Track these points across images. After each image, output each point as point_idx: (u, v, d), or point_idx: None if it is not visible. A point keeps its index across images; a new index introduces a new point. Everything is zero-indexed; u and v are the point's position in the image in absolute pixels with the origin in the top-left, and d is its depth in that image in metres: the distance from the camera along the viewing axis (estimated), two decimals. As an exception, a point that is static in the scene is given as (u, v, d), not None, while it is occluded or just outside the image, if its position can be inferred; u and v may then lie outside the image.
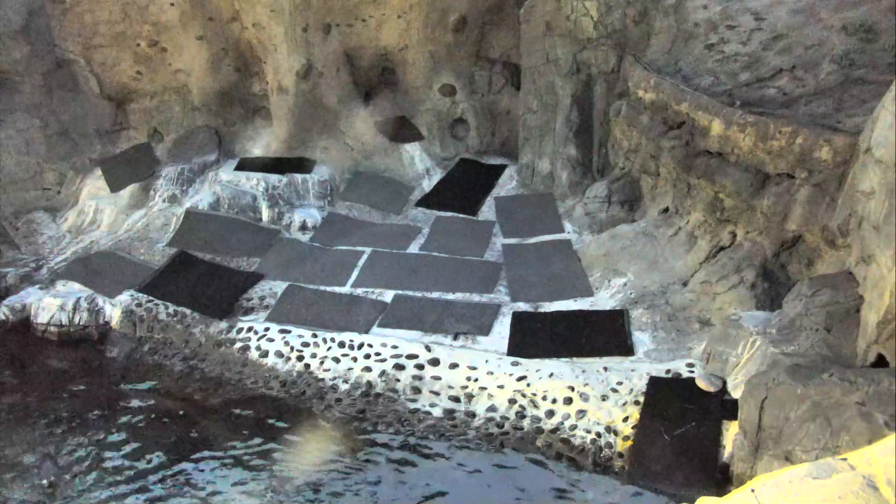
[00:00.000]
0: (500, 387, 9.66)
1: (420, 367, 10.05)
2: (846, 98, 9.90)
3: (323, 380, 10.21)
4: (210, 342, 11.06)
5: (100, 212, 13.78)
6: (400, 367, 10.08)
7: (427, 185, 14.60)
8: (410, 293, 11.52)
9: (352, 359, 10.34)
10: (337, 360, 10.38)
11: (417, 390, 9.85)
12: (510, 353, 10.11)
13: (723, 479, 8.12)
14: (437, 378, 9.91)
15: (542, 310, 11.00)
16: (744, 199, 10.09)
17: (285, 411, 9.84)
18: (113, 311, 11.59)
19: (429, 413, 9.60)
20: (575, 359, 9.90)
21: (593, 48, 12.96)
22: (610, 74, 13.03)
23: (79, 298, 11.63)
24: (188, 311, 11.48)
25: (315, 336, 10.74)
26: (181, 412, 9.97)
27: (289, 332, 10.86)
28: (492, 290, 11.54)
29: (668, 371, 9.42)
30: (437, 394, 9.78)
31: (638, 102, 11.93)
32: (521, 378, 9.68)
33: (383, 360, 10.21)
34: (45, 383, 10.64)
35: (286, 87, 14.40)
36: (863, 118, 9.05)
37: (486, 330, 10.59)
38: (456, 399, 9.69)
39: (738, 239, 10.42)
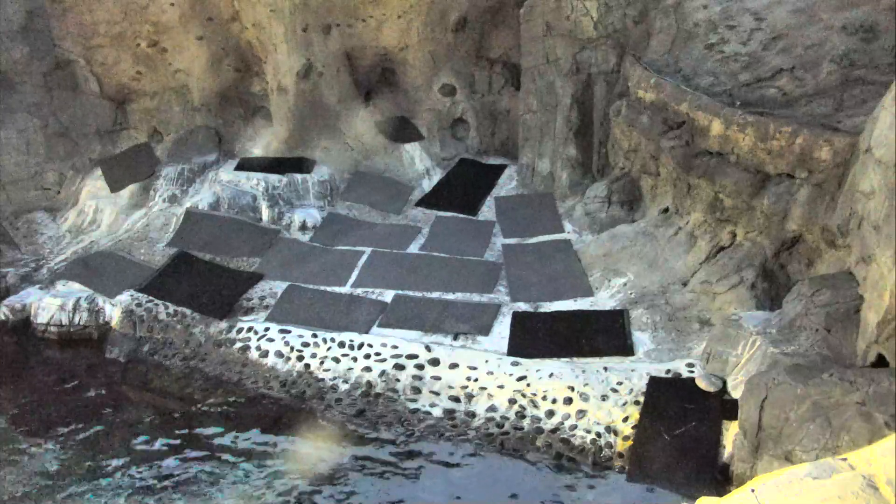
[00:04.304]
0: (500, 387, 9.65)
1: (420, 367, 10.05)
2: (846, 98, 9.90)
3: (323, 380, 10.21)
4: (210, 342, 11.06)
5: (100, 212, 13.78)
6: (400, 367, 10.08)
7: (427, 185, 14.59)
8: (410, 293, 11.52)
9: (352, 359, 10.34)
10: (337, 360, 10.37)
11: (417, 390, 9.85)
12: (510, 353, 10.11)
13: (723, 479, 8.12)
14: (437, 378, 9.91)
15: (542, 310, 10.99)
16: (744, 199, 10.09)
17: (285, 411, 9.85)
18: (113, 311, 11.59)
19: (429, 413, 9.59)
20: (575, 359, 9.89)
21: (593, 48, 12.97)
22: (610, 74, 13.03)
23: (79, 298, 11.63)
24: (188, 311, 11.47)
25: (315, 336, 10.74)
26: (181, 412, 9.97)
27: (289, 332, 10.86)
28: (492, 290, 11.54)
29: (668, 371, 9.42)
30: (437, 394, 9.78)
31: (638, 102, 11.93)
32: (521, 378, 9.68)
33: (383, 360, 10.20)
34: (45, 383, 10.64)
35: (286, 87, 14.39)
36: (863, 118, 9.05)
37: (486, 330, 10.59)
38: (456, 399, 9.69)
39: (738, 239, 10.42)
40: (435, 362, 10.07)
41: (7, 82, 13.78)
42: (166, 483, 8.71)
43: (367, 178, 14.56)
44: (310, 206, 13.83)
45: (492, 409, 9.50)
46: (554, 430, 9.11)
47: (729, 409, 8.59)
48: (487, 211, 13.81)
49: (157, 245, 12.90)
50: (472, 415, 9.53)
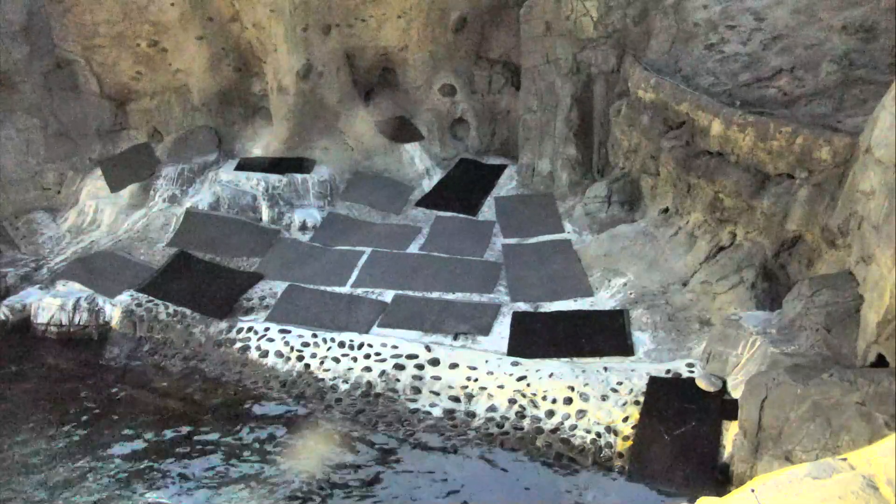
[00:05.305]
0: (500, 387, 9.65)
1: (420, 367, 10.05)
2: (846, 98, 9.90)
3: (323, 380, 10.21)
4: (210, 342, 11.06)
5: (100, 212, 13.79)
6: (400, 367, 10.08)
7: (427, 185, 14.59)
8: (410, 293, 11.52)
9: (352, 359, 10.34)
10: (337, 360, 10.38)
11: (417, 390, 9.85)
12: (510, 353, 10.11)
13: (723, 479, 8.12)
14: (437, 378, 9.91)
15: (542, 310, 10.99)
16: (744, 199, 10.09)
17: (285, 411, 9.84)
18: (113, 311, 11.60)
19: (429, 413, 9.59)
20: (575, 359, 9.89)
21: (593, 48, 12.97)
22: (610, 74, 13.03)
23: (79, 298, 11.63)
24: (188, 311, 11.47)
25: (315, 336, 10.75)
26: (181, 412, 9.97)
27: (289, 332, 10.86)
28: (492, 290, 11.54)
29: (668, 371, 9.42)
30: (437, 394, 9.78)
31: (638, 102, 11.93)
32: (521, 378, 9.68)
33: (383, 360, 10.20)
34: (44, 383, 10.63)
35: (286, 87, 14.40)
36: (863, 118, 9.05)
37: (486, 330, 10.59)
38: (456, 399, 9.69)
39: (738, 239, 10.41)
40: (435, 362, 10.07)
41: (7, 82, 13.79)
42: (166, 483, 8.71)
43: (367, 178, 14.56)
44: (310, 206, 13.83)
45: (492, 409, 9.50)
46: (554, 430, 9.11)
47: (729, 409, 8.58)
48: (487, 211, 13.81)
49: (157, 245, 12.90)
50: (472, 415, 9.53)
